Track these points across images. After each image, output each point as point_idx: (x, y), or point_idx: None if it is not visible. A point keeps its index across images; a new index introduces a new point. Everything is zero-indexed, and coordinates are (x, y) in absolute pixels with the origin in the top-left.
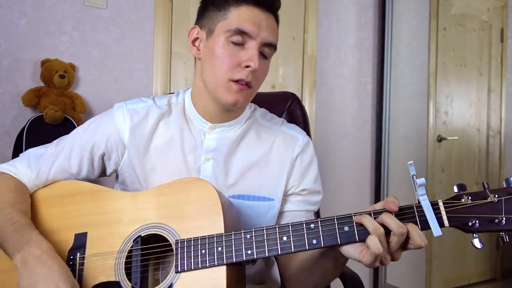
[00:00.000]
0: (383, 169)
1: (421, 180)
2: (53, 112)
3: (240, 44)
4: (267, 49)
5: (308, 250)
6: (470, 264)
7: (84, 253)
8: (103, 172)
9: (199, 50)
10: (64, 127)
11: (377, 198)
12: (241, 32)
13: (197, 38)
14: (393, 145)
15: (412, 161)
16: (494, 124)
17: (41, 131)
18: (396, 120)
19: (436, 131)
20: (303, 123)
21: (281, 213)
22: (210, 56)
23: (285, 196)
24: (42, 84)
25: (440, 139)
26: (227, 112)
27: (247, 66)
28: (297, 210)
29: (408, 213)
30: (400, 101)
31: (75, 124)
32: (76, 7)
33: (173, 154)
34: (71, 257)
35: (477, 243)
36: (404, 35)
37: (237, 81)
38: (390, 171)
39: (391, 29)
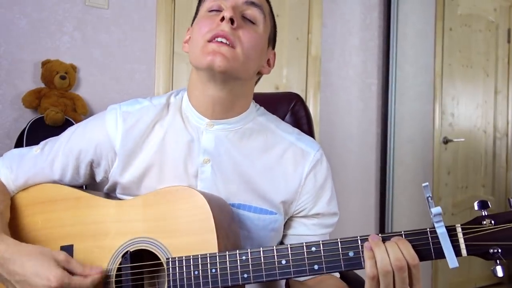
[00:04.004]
0: (388, 171)
1: (437, 210)
2: (53, 113)
3: (218, 11)
4: (250, 11)
5: (308, 275)
6: (476, 268)
7: None
8: (91, 179)
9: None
10: (64, 129)
11: (382, 200)
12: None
13: (190, 38)
14: (399, 147)
15: (427, 183)
16: (501, 125)
17: (42, 132)
18: (402, 121)
19: (442, 133)
20: (307, 124)
21: (293, 236)
22: (192, 34)
23: (298, 217)
24: (42, 85)
25: (446, 141)
26: (223, 103)
27: (222, 20)
28: (312, 235)
29: (421, 239)
30: (406, 102)
31: None
32: (77, 7)
33: (167, 156)
34: None
35: (499, 271)
36: (409, 36)
37: (213, 40)
38: (395, 173)
39: (396, 30)
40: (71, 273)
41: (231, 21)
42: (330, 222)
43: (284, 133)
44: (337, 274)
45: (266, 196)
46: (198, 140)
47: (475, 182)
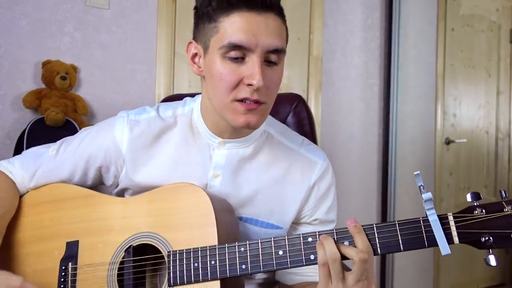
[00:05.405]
0: (390, 171)
1: (427, 195)
2: (54, 114)
3: (240, 58)
4: (274, 56)
5: (305, 265)
6: (479, 268)
7: (76, 263)
8: (100, 182)
9: (200, 67)
10: (65, 129)
11: (384, 201)
12: (235, 47)
13: (196, 54)
14: (400, 147)
15: (418, 172)
16: (503, 126)
17: (42, 133)
18: (404, 122)
19: (444, 133)
20: (309, 125)
21: None
22: (210, 76)
23: (296, 224)
24: (43, 86)
25: (448, 142)
26: (239, 130)
27: (249, 85)
28: None
29: (414, 228)
30: (408, 103)
31: (77, 127)
32: (77, 7)
33: (176, 170)
34: (63, 267)
35: (492, 260)
36: (411, 36)
37: (242, 101)
38: (397, 173)
39: (398, 30)
40: None
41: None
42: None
43: (292, 143)
44: None
45: (273, 210)
46: (209, 156)
47: (477, 183)
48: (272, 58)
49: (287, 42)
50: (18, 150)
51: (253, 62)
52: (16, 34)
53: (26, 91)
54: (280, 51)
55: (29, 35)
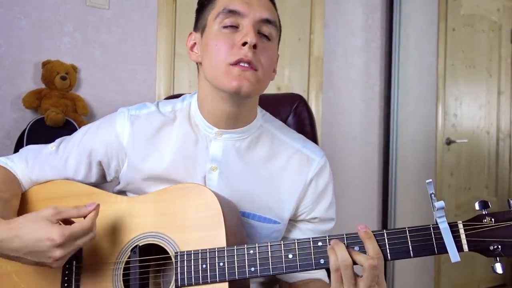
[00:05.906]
0: (391, 172)
1: (440, 204)
2: (54, 114)
3: (234, 27)
4: (266, 28)
5: (315, 269)
6: (480, 269)
7: (80, 262)
8: (103, 179)
9: (197, 53)
10: (65, 129)
11: (384, 201)
12: (230, 12)
13: (194, 44)
14: (401, 148)
15: (431, 180)
16: (504, 126)
17: (42, 133)
18: (404, 122)
19: (445, 133)
20: (310, 126)
21: (287, 239)
22: (207, 49)
23: (295, 221)
24: (43, 86)
25: (449, 142)
26: (235, 117)
27: (244, 44)
28: None
29: (424, 235)
30: (408, 103)
31: (77, 127)
32: (77, 7)
33: (176, 163)
34: (67, 265)
35: (498, 268)
36: (412, 36)
37: (237, 64)
38: (398, 174)
39: (398, 30)
40: (69, 221)
41: (254, 46)
42: (326, 228)
43: (289, 139)
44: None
45: (270, 206)
46: (206, 148)
47: (478, 183)
48: (265, 30)
49: (280, 30)
50: (18, 150)
51: (246, 27)
52: (16, 34)
53: (26, 91)
54: (272, 23)
55: (29, 35)
